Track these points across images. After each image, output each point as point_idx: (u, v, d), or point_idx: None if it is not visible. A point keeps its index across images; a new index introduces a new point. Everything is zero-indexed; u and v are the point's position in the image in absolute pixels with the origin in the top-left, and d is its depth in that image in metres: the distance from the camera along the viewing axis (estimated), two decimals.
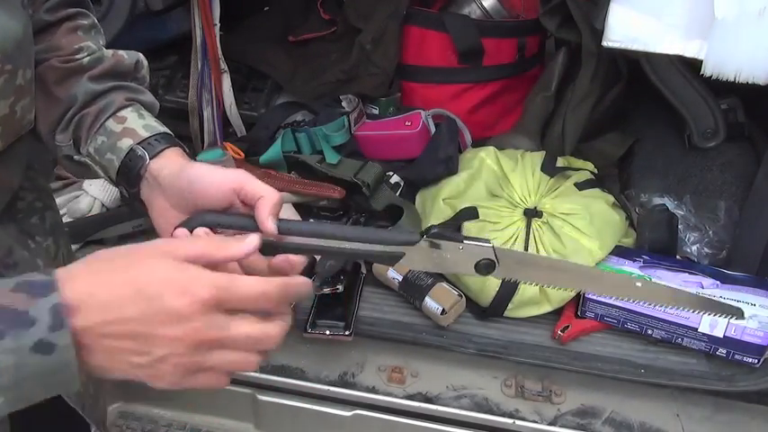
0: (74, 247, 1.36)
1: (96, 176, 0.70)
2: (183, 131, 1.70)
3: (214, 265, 0.49)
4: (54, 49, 0.69)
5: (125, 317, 0.45)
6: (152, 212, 0.65)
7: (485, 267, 0.63)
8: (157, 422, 1.32)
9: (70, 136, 0.68)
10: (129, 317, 0.45)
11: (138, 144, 0.65)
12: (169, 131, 0.70)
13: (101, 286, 0.45)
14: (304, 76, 1.69)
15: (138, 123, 0.67)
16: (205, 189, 0.60)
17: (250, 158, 1.56)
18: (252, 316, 0.50)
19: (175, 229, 0.58)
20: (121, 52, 0.73)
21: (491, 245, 0.62)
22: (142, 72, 0.75)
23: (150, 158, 0.65)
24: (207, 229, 0.58)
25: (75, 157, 0.69)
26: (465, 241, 0.62)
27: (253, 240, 0.52)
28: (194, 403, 1.30)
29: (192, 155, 1.50)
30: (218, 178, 0.60)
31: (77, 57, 0.69)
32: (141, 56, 0.75)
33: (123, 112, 0.68)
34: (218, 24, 1.61)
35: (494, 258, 0.62)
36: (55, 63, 0.68)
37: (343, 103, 1.61)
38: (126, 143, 0.65)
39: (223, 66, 1.65)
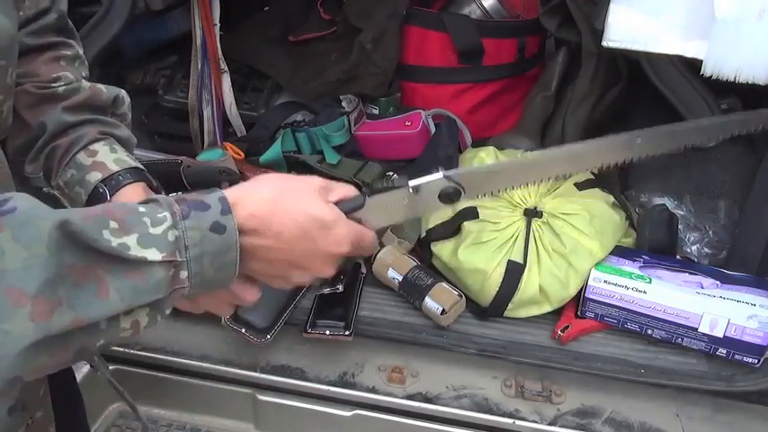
0: None
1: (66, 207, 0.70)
2: (183, 131, 1.70)
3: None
4: (31, 75, 0.69)
5: (291, 248, 0.55)
6: None
7: (448, 197, 0.64)
8: (157, 422, 1.32)
9: (41, 167, 0.69)
10: (294, 249, 0.55)
11: (106, 179, 0.68)
12: (141, 166, 0.72)
13: (273, 215, 0.54)
14: (304, 76, 1.69)
15: (109, 157, 0.69)
16: None
17: (250, 158, 1.56)
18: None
19: None
20: (100, 86, 0.73)
21: (441, 174, 0.64)
22: (122, 108, 0.76)
23: (111, 195, 0.67)
24: None
25: (44, 189, 0.70)
26: (410, 182, 0.64)
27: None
28: (194, 403, 1.30)
29: (193, 155, 1.51)
30: None
31: (54, 85, 0.69)
32: (123, 92, 0.76)
33: (95, 146, 0.69)
34: (218, 24, 1.61)
35: (451, 185, 0.64)
36: (29, 88, 0.68)
37: (343, 103, 1.61)
38: (94, 176, 0.67)
39: (223, 66, 1.65)
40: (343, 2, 1.76)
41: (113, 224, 0.47)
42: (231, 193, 0.54)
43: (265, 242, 0.54)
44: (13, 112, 0.66)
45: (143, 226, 0.49)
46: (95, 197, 0.68)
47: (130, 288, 0.48)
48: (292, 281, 0.58)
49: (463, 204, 0.64)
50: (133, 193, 0.69)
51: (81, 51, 0.76)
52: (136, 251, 0.48)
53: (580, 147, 0.71)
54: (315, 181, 0.59)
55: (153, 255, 0.48)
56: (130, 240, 0.48)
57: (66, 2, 0.75)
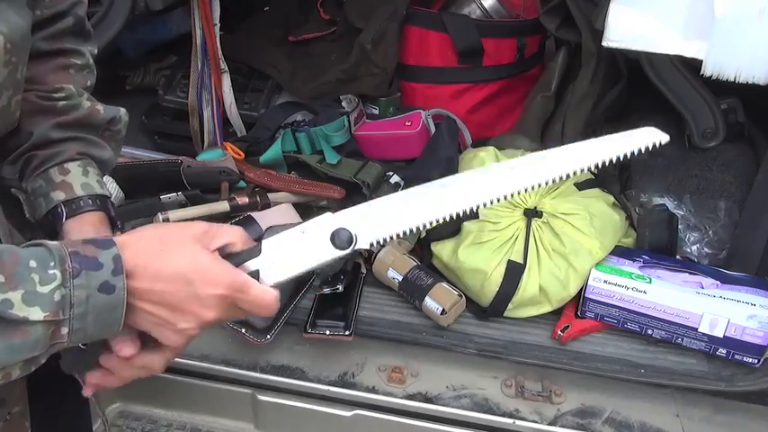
0: None
1: (24, 211, 0.72)
2: (183, 131, 1.70)
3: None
4: (37, 82, 0.70)
5: (167, 291, 0.55)
6: None
7: (340, 241, 0.60)
8: (157, 422, 1.32)
9: (17, 170, 0.71)
10: (170, 292, 0.55)
11: (67, 201, 0.70)
12: (106, 194, 0.73)
13: (152, 261, 0.55)
14: (304, 76, 1.69)
15: (78, 180, 0.71)
16: None
17: (250, 158, 1.56)
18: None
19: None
20: (99, 107, 0.74)
21: (329, 215, 0.60)
22: (118, 126, 0.77)
23: (67, 218, 0.69)
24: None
25: (12, 189, 0.72)
26: (265, 237, 0.61)
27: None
28: (194, 403, 1.30)
29: (193, 155, 1.51)
30: None
31: (55, 96, 0.71)
32: (122, 111, 0.78)
33: (70, 165, 0.71)
34: (218, 24, 1.61)
35: (343, 228, 0.60)
36: (32, 97, 0.69)
37: (343, 103, 1.61)
38: (58, 196, 0.69)
39: (223, 66, 1.65)
40: (343, 2, 1.76)
41: (0, 278, 0.47)
42: (128, 259, 0.53)
43: (144, 286, 0.54)
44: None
45: (30, 283, 0.48)
46: (53, 215, 0.70)
47: (6, 347, 0.48)
48: (178, 327, 0.57)
49: (364, 247, 0.62)
50: (88, 222, 0.70)
51: (91, 59, 0.77)
52: (18, 310, 0.48)
53: (487, 175, 0.66)
54: (196, 228, 0.59)
55: (35, 314, 0.48)
56: (15, 297, 0.48)
57: (85, 7, 0.75)
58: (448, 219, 0.63)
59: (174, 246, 0.56)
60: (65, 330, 0.50)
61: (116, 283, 0.52)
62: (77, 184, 0.70)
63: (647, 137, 0.66)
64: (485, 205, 0.63)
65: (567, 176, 0.64)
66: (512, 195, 0.64)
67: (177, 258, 0.56)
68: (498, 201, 0.63)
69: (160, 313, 0.56)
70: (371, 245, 0.62)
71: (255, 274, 0.60)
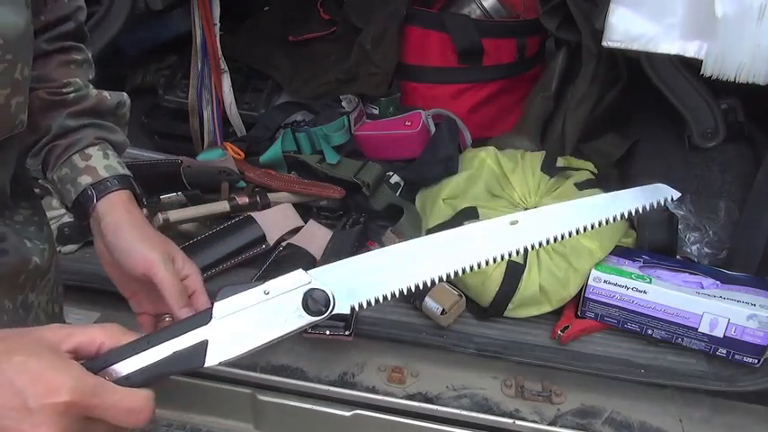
0: (73, 246, 1.36)
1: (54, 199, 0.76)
2: (183, 131, 1.70)
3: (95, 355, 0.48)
4: (44, 80, 0.73)
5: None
6: (95, 245, 0.74)
7: (314, 305, 0.50)
8: (157, 422, 1.32)
9: (39, 162, 0.74)
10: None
11: (95, 183, 0.72)
12: (128, 173, 0.75)
13: None
14: (304, 76, 1.69)
15: (100, 163, 0.73)
16: (126, 265, 0.68)
17: (250, 158, 1.56)
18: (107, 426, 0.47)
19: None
20: (105, 93, 0.77)
21: (301, 272, 0.50)
22: (123, 110, 0.80)
23: (97, 199, 0.71)
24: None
25: (39, 180, 0.75)
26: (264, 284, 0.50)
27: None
28: (194, 403, 1.30)
29: (193, 155, 1.51)
30: (133, 261, 0.68)
31: (64, 90, 0.73)
32: (125, 96, 0.80)
33: (90, 150, 0.73)
34: (219, 24, 1.61)
35: (311, 288, 0.50)
36: (42, 94, 0.72)
37: (343, 103, 1.61)
38: (85, 180, 0.72)
39: (223, 66, 1.65)
40: (343, 2, 1.76)
41: None
42: None
43: None
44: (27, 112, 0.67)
45: None
46: (84, 198, 0.71)
47: None
48: None
49: (344, 312, 0.52)
50: (118, 201, 0.72)
51: (90, 55, 0.79)
52: None
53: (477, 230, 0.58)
54: (44, 329, 0.48)
55: None
56: None
57: (85, 13, 0.79)
58: (444, 277, 0.54)
59: (7, 347, 0.45)
60: None
61: None
62: (101, 167, 0.72)
63: (657, 193, 0.60)
64: (487, 263, 0.56)
65: (565, 236, 0.58)
66: (516, 253, 0.56)
67: (7, 364, 0.44)
68: (495, 261, 0.56)
69: None
70: (352, 309, 0.52)
71: (202, 347, 0.49)
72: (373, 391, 1.19)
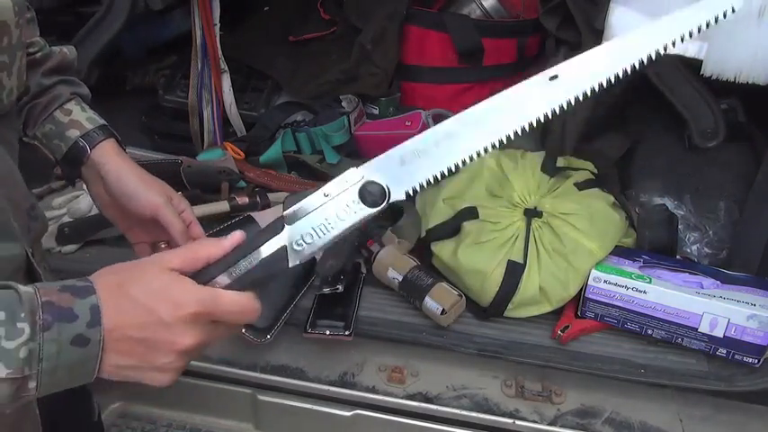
0: (73, 247, 1.36)
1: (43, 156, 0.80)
2: (183, 131, 1.70)
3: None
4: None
5: (132, 323, 0.51)
6: (90, 190, 0.80)
7: (372, 197, 0.55)
8: (157, 422, 1.32)
9: (21, 121, 0.76)
10: (135, 324, 0.51)
11: (83, 135, 0.77)
12: (106, 123, 0.81)
13: (116, 298, 0.51)
14: (304, 76, 1.69)
15: (82, 116, 0.78)
16: (133, 208, 0.76)
17: (250, 158, 1.56)
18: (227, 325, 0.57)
19: None
20: (65, 49, 0.81)
21: (354, 169, 0.55)
22: (75, 64, 0.84)
23: (91, 149, 0.76)
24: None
25: (23, 138, 0.77)
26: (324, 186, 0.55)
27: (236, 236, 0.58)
28: (194, 403, 1.30)
29: (193, 155, 1.51)
30: (140, 205, 0.76)
31: (30, 50, 0.76)
32: (73, 48, 0.84)
33: (69, 105, 0.79)
34: (219, 24, 1.61)
35: (366, 182, 0.55)
36: None
37: (343, 103, 1.61)
38: (73, 133, 0.77)
39: (223, 66, 1.65)
40: (343, 2, 1.76)
41: None
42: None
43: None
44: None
45: None
46: (76, 150, 0.76)
47: None
48: (157, 365, 0.53)
49: (400, 198, 0.57)
50: (109, 149, 0.77)
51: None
52: None
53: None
54: (149, 261, 0.55)
55: None
56: None
57: None
58: (489, 148, 0.57)
59: (127, 276, 0.53)
60: (32, 385, 0.48)
61: (91, 336, 0.49)
62: (83, 119, 0.77)
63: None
64: (531, 126, 0.56)
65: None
66: (559, 109, 0.56)
67: (133, 289, 0.52)
68: (538, 122, 0.56)
69: (132, 356, 0.52)
70: (407, 194, 0.56)
71: (283, 252, 0.55)
72: (373, 390, 1.19)
